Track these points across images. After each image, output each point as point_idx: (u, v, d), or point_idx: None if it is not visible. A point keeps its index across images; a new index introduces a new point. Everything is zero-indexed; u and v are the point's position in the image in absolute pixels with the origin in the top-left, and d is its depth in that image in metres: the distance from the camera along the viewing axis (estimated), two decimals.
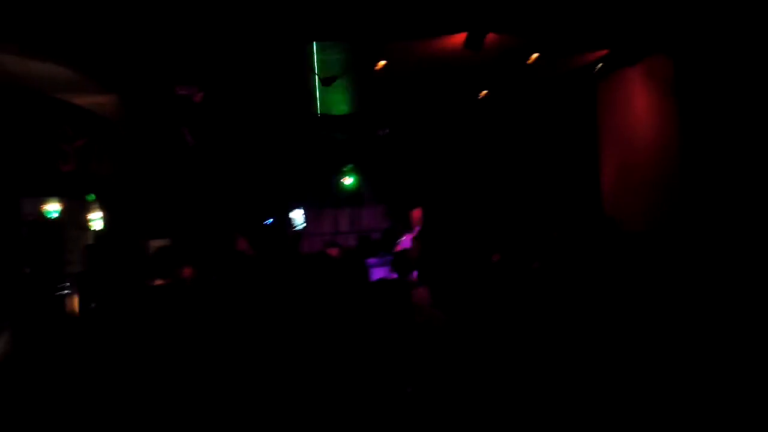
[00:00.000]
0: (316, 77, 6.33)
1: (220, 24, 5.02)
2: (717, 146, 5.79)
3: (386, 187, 9.78)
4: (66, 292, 7.64)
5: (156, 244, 8.11)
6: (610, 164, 7.30)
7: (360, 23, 5.06)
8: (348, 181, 10.37)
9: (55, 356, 4.28)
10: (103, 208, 7.38)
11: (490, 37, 5.90)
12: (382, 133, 8.66)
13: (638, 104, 6.81)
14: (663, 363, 4.25)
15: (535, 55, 6.53)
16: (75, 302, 7.62)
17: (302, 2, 4.73)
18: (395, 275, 6.50)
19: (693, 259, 5.74)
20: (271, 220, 10.24)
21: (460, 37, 6.00)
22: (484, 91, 7.83)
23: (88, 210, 7.93)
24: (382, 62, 6.42)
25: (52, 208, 6.56)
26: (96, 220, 7.73)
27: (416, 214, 7.47)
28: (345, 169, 10.29)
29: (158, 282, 6.29)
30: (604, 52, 6.77)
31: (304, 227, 10.19)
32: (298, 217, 10.29)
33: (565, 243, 6.70)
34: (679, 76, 6.29)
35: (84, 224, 8.23)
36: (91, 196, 7.59)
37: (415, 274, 6.40)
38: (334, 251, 6.86)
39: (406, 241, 7.43)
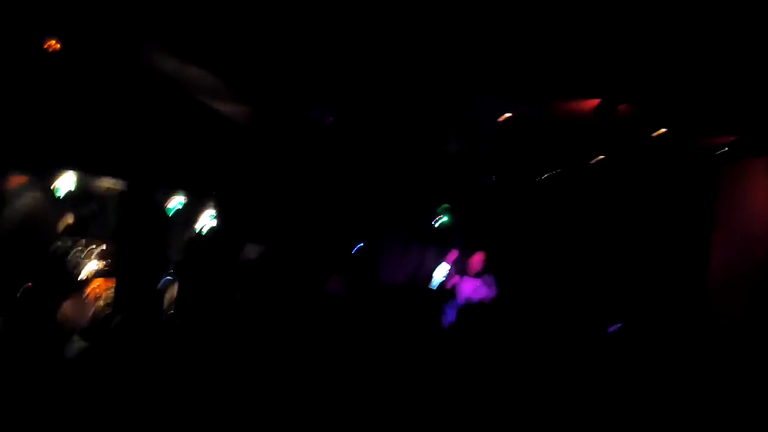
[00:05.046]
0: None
1: (370, 65, 5.33)
2: None
3: (481, 233, 9.83)
4: (169, 278, 8.11)
5: (251, 249, 8.51)
6: (721, 253, 7.13)
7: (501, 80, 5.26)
8: (442, 219, 10.47)
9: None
10: (217, 206, 7.81)
11: (620, 108, 5.99)
12: (487, 181, 8.78)
13: (759, 197, 6.66)
14: None
15: (660, 131, 6.55)
16: (175, 289, 8.07)
17: (453, 54, 4.97)
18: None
19: None
20: (361, 245, 10.43)
21: (588, 103, 6.13)
22: (599, 157, 7.85)
23: (200, 206, 8.40)
24: (507, 114, 6.60)
25: (177, 201, 7.01)
26: (208, 218, 8.17)
27: (478, 258, 7.47)
28: (442, 207, 10.38)
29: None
30: (732, 138, 6.70)
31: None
32: (439, 270, 7.95)
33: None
34: None
35: (191, 218, 8.71)
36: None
37: None
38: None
39: (466, 284, 7.45)
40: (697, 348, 6.13)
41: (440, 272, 7.88)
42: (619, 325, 6.11)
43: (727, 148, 6.87)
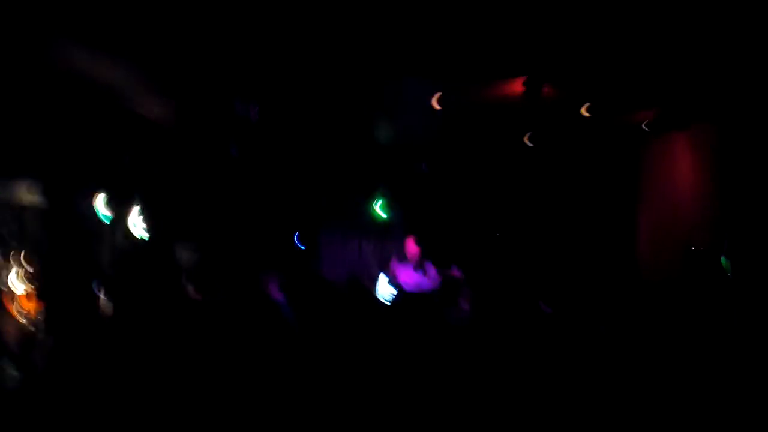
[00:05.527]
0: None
1: (295, 53, 5.21)
2: (757, 215, 5.92)
3: (418, 220, 9.84)
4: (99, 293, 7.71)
5: (186, 253, 8.20)
6: (647, 222, 7.45)
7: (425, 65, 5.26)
8: (379, 208, 10.37)
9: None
10: (144, 212, 7.48)
11: (545, 88, 6.11)
12: (423, 169, 8.79)
13: (682, 168, 6.97)
14: None
15: (584, 109, 6.72)
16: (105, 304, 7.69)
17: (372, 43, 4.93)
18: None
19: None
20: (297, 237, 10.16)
21: (515, 86, 6.22)
22: (527, 137, 8.00)
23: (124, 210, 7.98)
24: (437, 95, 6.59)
25: (104, 213, 6.63)
26: (136, 224, 7.79)
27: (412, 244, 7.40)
28: (377, 194, 10.22)
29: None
30: (652, 114, 6.95)
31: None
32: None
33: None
34: (722, 144, 6.47)
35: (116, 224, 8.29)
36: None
37: None
38: None
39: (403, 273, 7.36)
40: (632, 312, 6.37)
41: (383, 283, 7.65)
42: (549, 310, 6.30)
43: (649, 123, 7.14)
